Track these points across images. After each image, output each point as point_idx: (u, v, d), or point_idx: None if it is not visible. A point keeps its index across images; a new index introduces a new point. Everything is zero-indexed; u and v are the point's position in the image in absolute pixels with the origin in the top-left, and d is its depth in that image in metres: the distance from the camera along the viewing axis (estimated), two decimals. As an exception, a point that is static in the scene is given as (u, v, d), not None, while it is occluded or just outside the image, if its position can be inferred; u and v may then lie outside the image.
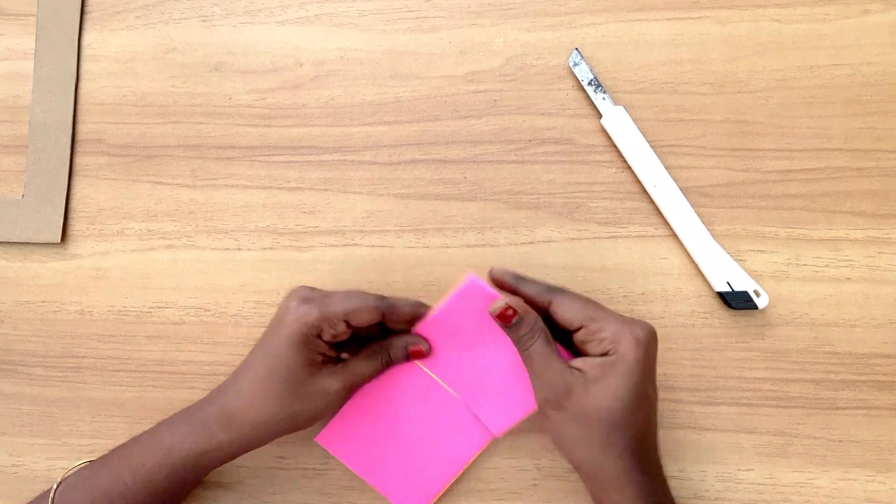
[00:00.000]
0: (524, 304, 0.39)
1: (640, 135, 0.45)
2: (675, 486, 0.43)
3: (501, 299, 0.39)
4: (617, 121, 0.45)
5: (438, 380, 0.42)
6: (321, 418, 0.39)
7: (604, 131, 0.46)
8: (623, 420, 0.36)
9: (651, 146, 0.45)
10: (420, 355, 0.41)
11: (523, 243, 0.46)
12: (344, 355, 0.42)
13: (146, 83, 0.50)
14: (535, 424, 0.45)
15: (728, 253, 0.44)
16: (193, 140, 0.49)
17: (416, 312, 0.41)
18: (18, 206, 0.49)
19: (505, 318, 0.38)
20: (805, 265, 0.45)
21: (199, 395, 0.41)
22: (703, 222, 0.44)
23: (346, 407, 0.43)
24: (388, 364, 0.41)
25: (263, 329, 0.41)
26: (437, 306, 0.41)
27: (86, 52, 0.51)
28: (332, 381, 0.38)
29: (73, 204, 0.50)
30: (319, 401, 0.38)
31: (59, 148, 0.50)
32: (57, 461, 0.47)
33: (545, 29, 0.48)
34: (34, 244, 0.49)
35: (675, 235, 0.45)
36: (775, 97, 0.46)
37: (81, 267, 0.49)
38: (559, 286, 0.40)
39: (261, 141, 0.49)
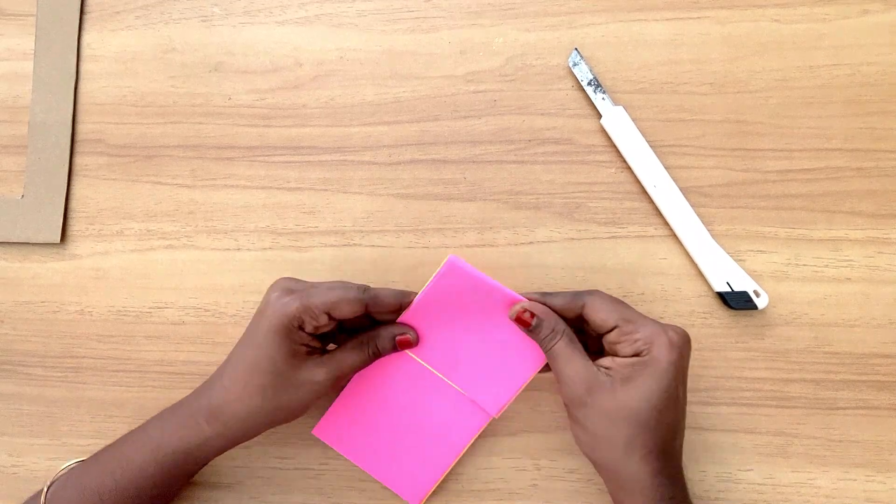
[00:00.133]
0: (541, 305, 0.39)
1: (640, 135, 0.45)
2: (674, 486, 0.43)
3: (519, 303, 0.40)
4: (617, 121, 0.45)
5: (431, 368, 0.42)
6: (308, 409, 0.39)
7: (603, 131, 0.46)
8: (650, 422, 0.36)
9: (651, 146, 0.45)
10: (408, 345, 0.41)
11: (523, 243, 0.46)
12: (330, 346, 0.42)
13: (146, 83, 0.50)
14: (535, 425, 0.45)
15: (728, 253, 0.44)
16: (193, 140, 0.49)
17: (401, 302, 0.40)
18: (18, 207, 0.49)
19: (524, 322, 0.39)
20: (805, 265, 0.45)
21: (198, 395, 0.41)
22: (702, 222, 0.44)
23: (340, 398, 0.43)
24: (376, 355, 0.41)
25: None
26: (421, 292, 0.41)
27: (85, 52, 0.51)
28: (317, 372, 0.38)
29: (73, 204, 0.50)
30: (304, 392, 0.38)
31: (59, 148, 0.50)
32: (57, 461, 0.47)
33: (545, 29, 0.48)
34: (34, 244, 0.49)
35: (674, 235, 0.45)
36: (775, 97, 0.46)
37: (81, 267, 0.49)
38: (591, 289, 0.40)
39: (260, 141, 0.49)
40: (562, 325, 0.39)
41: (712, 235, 0.44)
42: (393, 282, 0.47)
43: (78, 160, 0.50)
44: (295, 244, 0.48)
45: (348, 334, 0.42)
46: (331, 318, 0.38)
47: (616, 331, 0.37)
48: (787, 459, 0.43)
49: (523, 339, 0.41)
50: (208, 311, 0.48)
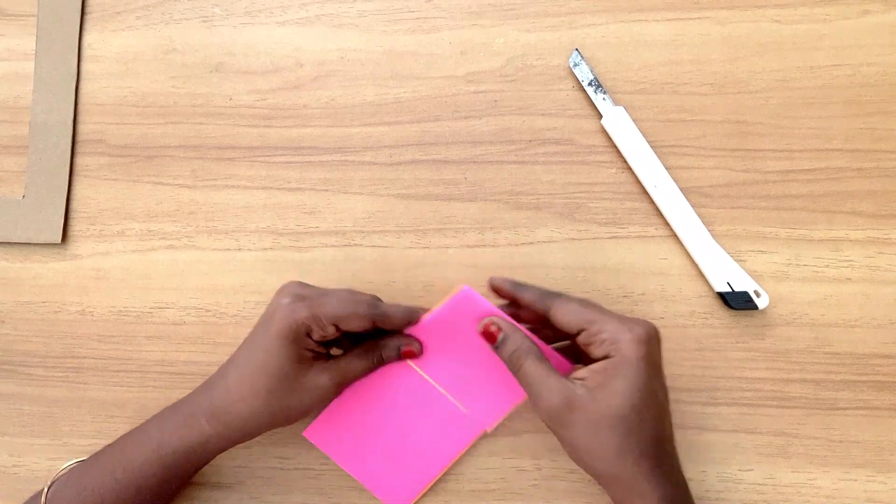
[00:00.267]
0: (510, 323, 0.39)
1: (641, 135, 0.45)
2: (675, 486, 0.43)
3: (489, 317, 0.39)
4: (617, 121, 0.45)
5: (426, 376, 0.42)
6: (310, 413, 0.40)
7: (604, 132, 0.46)
8: (634, 423, 0.35)
9: (651, 146, 0.45)
10: (412, 355, 0.42)
11: (523, 244, 0.46)
12: (334, 351, 0.42)
13: (147, 84, 0.50)
14: (535, 425, 0.45)
15: (728, 253, 0.44)
16: (194, 140, 0.49)
17: (409, 319, 0.41)
18: (19, 207, 0.49)
19: (490, 337, 0.39)
20: (805, 265, 0.45)
21: (199, 395, 0.41)
22: (703, 222, 0.44)
23: (334, 402, 0.43)
24: (380, 363, 0.41)
25: (264, 329, 0.41)
26: (431, 312, 0.41)
27: (86, 52, 0.51)
28: (322, 377, 0.38)
29: (74, 204, 0.50)
30: (309, 396, 0.38)
31: (60, 148, 0.50)
32: (58, 461, 0.47)
33: (545, 29, 0.48)
34: (35, 244, 0.49)
35: (675, 235, 0.45)
36: (775, 97, 0.46)
37: (82, 267, 0.49)
38: (558, 291, 0.39)
39: (261, 141, 0.49)
40: (528, 343, 0.38)
41: (713, 236, 0.44)
42: (393, 282, 0.47)
43: (79, 160, 0.50)
44: (296, 244, 0.48)
45: (352, 339, 0.42)
46: (338, 328, 0.38)
47: (583, 333, 0.37)
48: (787, 460, 0.43)
49: None
50: (209, 311, 0.48)
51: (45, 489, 0.40)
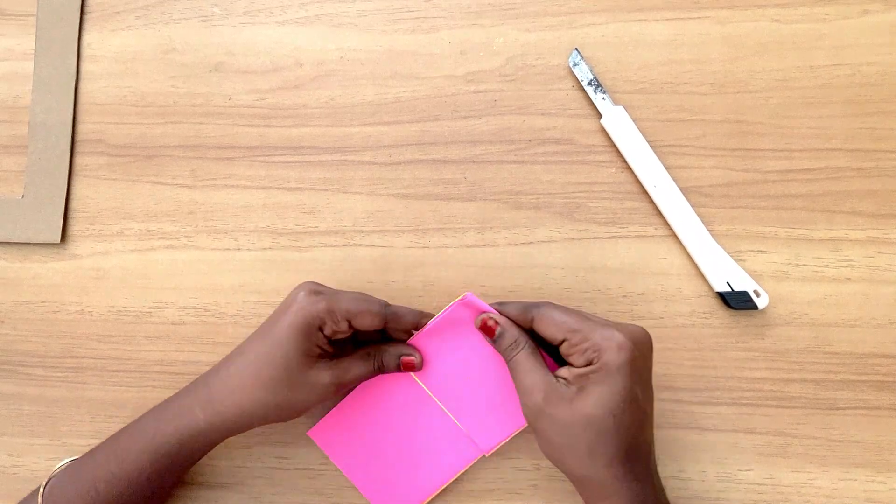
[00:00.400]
0: (506, 319, 0.40)
1: (640, 135, 0.45)
2: (675, 486, 0.43)
3: (486, 312, 0.40)
4: (617, 121, 0.45)
5: (432, 395, 0.43)
6: (306, 411, 0.40)
7: (604, 131, 0.46)
8: (609, 427, 0.35)
9: (651, 146, 0.45)
10: (411, 367, 0.42)
11: (523, 243, 0.46)
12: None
13: (146, 83, 0.50)
14: (535, 424, 0.45)
15: (728, 253, 0.44)
16: (193, 140, 0.49)
17: (418, 322, 0.42)
18: (18, 207, 0.49)
19: (488, 330, 0.40)
20: (805, 265, 0.45)
21: (199, 395, 0.41)
22: (703, 222, 0.44)
23: (341, 405, 0.43)
24: (380, 369, 0.41)
25: (263, 329, 0.41)
26: (434, 318, 0.42)
27: (86, 52, 0.51)
28: (324, 375, 0.39)
29: (73, 204, 0.50)
30: (308, 392, 0.39)
31: (59, 148, 0.50)
32: (57, 461, 0.47)
33: (545, 29, 0.48)
34: (34, 244, 0.49)
35: (675, 235, 0.45)
36: (775, 97, 0.46)
37: (81, 267, 0.49)
38: (542, 301, 0.40)
39: (261, 141, 0.49)
40: (524, 338, 0.39)
41: (712, 235, 0.44)
42: (393, 282, 0.47)
43: (78, 160, 0.50)
44: (295, 244, 0.48)
45: (354, 346, 0.42)
46: (350, 326, 0.39)
47: (566, 343, 0.37)
48: (787, 459, 0.43)
49: None
50: (208, 311, 0.48)
51: (42, 486, 0.40)
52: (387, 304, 0.41)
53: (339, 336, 0.40)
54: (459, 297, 0.41)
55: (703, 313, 0.45)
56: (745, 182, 0.45)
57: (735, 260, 0.44)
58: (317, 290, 0.40)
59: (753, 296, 0.43)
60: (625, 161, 0.46)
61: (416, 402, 0.43)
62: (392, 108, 0.48)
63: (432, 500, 0.44)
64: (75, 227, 0.49)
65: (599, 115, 0.46)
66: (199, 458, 0.41)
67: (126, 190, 0.49)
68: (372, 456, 0.43)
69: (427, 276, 0.47)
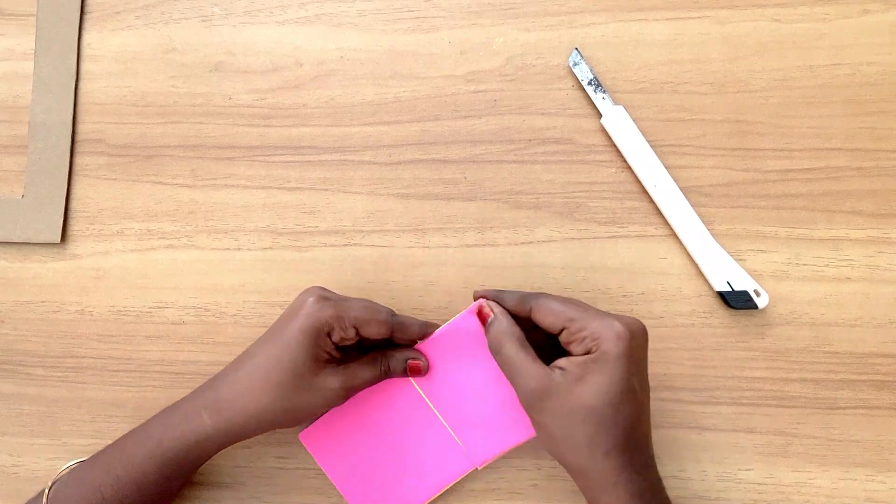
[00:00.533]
0: (502, 310, 0.40)
1: (640, 135, 0.45)
2: (675, 486, 0.43)
3: (483, 299, 0.41)
4: (617, 120, 0.45)
5: (429, 402, 0.42)
6: (313, 416, 0.40)
7: (604, 131, 0.46)
8: (608, 418, 0.35)
9: (651, 146, 0.45)
10: (418, 371, 0.42)
11: (523, 243, 0.46)
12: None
13: (146, 83, 0.50)
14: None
15: (728, 253, 0.44)
16: (193, 140, 0.49)
17: (424, 333, 0.42)
18: (18, 207, 0.49)
19: (482, 317, 0.40)
20: (805, 265, 0.45)
21: (199, 395, 0.40)
22: (703, 222, 0.44)
23: (334, 412, 0.43)
24: (387, 374, 0.41)
25: (263, 329, 0.41)
26: (445, 325, 0.42)
27: (86, 52, 0.51)
28: (332, 380, 0.39)
29: (73, 204, 0.50)
30: (316, 397, 0.39)
31: (59, 148, 0.50)
32: (57, 461, 0.47)
33: (545, 29, 0.48)
34: (34, 244, 0.49)
35: (675, 235, 0.45)
36: (775, 97, 0.46)
37: (81, 267, 0.49)
38: (539, 292, 0.40)
39: (261, 141, 0.49)
40: (512, 329, 0.39)
41: (712, 235, 0.44)
42: (393, 282, 0.47)
43: (78, 160, 0.50)
44: (295, 244, 0.48)
45: (360, 353, 0.42)
46: (357, 333, 0.39)
47: (565, 332, 0.37)
48: (787, 459, 0.43)
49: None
50: (208, 310, 0.48)
51: (47, 489, 0.40)
52: (394, 314, 0.41)
53: (346, 343, 0.40)
54: (472, 304, 0.41)
55: (703, 313, 0.45)
56: (745, 182, 0.45)
57: (735, 259, 0.44)
58: (325, 295, 0.40)
59: (753, 295, 0.43)
60: (625, 161, 0.46)
61: (412, 410, 0.43)
62: (392, 108, 0.48)
63: None
64: (75, 226, 0.49)
65: (599, 115, 0.46)
66: (205, 462, 0.41)
67: (126, 190, 0.49)
68: (361, 462, 0.43)
69: (427, 276, 0.47)
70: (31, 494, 0.41)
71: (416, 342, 0.42)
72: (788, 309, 0.44)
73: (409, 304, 0.46)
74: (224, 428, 0.38)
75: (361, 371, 0.40)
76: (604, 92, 0.46)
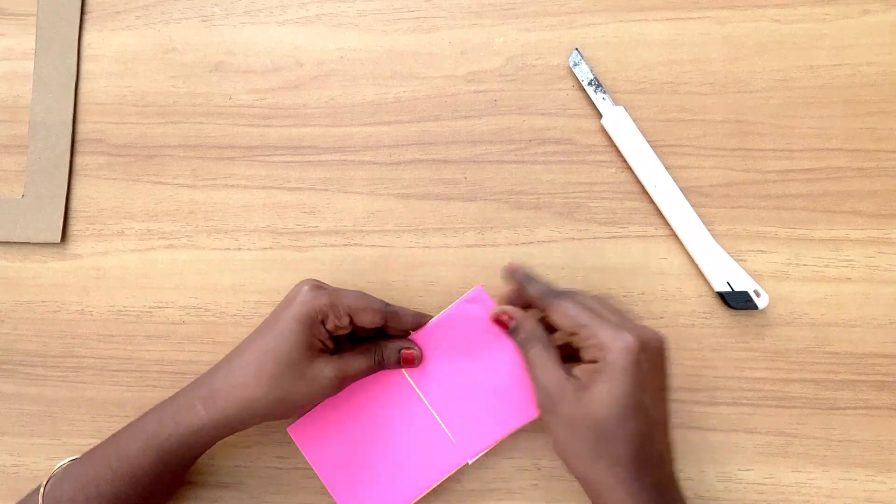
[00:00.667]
0: (522, 312, 0.40)
1: (640, 135, 0.45)
2: (675, 486, 0.43)
3: (501, 306, 0.41)
4: (617, 121, 0.45)
5: (420, 394, 0.42)
6: (307, 406, 0.40)
7: (604, 131, 0.46)
8: (611, 430, 0.35)
9: (651, 146, 0.45)
10: (411, 361, 0.42)
11: (523, 243, 0.46)
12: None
13: (146, 83, 0.50)
14: (535, 425, 0.45)
15: (728, 253, 0.44)
16: (193, 140, 0.49)
17: (417, 323, 0.42)
18: (18, 206, 0.49)
19: (501, 324, 0.41)
20: (805, 265, 0.45)
21: (199, 394, 0.41)
22: (703, 222, 0.44)
23: (324, 405, 0.43)
24: (381, 364, 0.41)
25: (263, 329, 0.41)
26: (441, 314, 0.42)
27: (86, 52, 0.51)
28: (326, 369, 0.39)
29: (73, 204, 0.50)
30: (310, 386, 0.39)
31: (59, 148, 0.50)
32: (57, 461, 0.47)
33: (545, 29, 0.48)
34: (34, 244, 0.49)
35: (675, 235, 0.45)
36: (775, 97, 0.46)
37: (81, 267, 0.49)
38: (565, 290, 0.40)
39: (261, 141, 0.49)
40: (539, 333, 0.39)
41: (713, 235, 0.44)
42: (393, 282, 0.47)
43: (78, 160, 0.50)
44: (295, 244, 0.48)
45: (354, 344, 0.42)
46: (351, 322, 0.39)
47: (576, 337, 0.37)
48: (787, 459, 0.43)
49: (517, 389, 0.41)
50: (209, 310, 0.48)
51: (43, 485, 0.40)
52: (387, 304, 0.41)
53: (340, 332, 0.40)
54: (470, 291, 0.41)
55: (703, 313, 0.45)
56: (746, 182, 0.45)
57: (735, 260, 0.44)
58: (319, 285, 0.40)
59: (753, 296, 0.43)
60: (625, 161, 0.46)
61: (403, 404, 0.42)
62: (392, 108, 0.48)
63: (436, 489, 0.43)
64: (75, 226, 0.49)
65: (600, 115, 0.46)
66: (200, 455, 0.41)
67: (126, 190, 0.49)
68: (350, 458, 0.43)
69: (427, 276, 0.47)
70: (29, 491, 0.41)
71: (410, 333, 0.43)
72: (788, 309, 0.44)
73: (409, 304, 0.46)
74: (218, 418, 0.38)
75: (355, 361, 0.40)
76: (604, 92, 0.46)
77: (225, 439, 0.45)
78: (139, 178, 0.49)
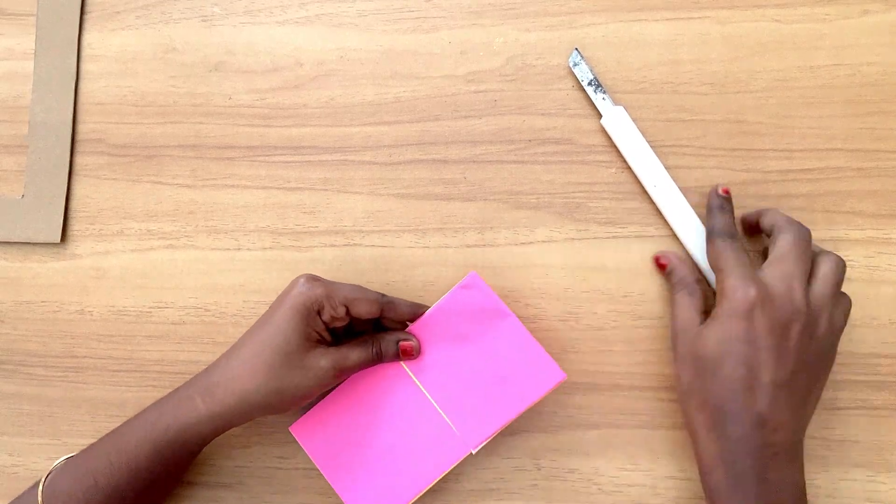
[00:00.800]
0: (679, 257, 0.43)
1: (640, 135, 0.45)
2: (675, 486, 0.43)
3: (664, 249, 0.45)
4: (617, 121, 0.45)
5: (421, 386, 0.42)
6: (306, 399, 0.40)
7: (604, 131, 0.46)
8: (706, 369, 0.38)
9: (651, 146, 0.45)
10: (409, 353, 0.42)
11: (523, 243, 0.46)
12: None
13: (146, 83, 0.50)
14: (535, 425, 0.45)
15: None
16: (193, 140, 0.49)
17: (414, 313, 0.42)
18: (18, 206, 0.49)
19: (660, 266, 0.44)
20: (805, 265, 0.45)
21: (199, 395, 0.41)
22: (703, 223, 0.44)
23: (324, 401, 0.43)
24: (379, 356, 0.41)
25: (263, 329, 0.41)
26: (437, 303, 0.42)
27: (86, 52, 0.51)
28: (322, 359, 0.39)
29: (73, 204, 0.50)
30: (307, 377, 0.39)
31: (59, 148, 0.50)
32: (57, 461, 0.47)
33: (545, 29, 0.48)
34: (34, 244, 0.49)
35: (675, 235, 0.45)
36: (775, 97, 0.46)
37: (81, 267, 0.49)
38: (768, 210, 0.42)
39: (261, 141, 0.49)
40: (689, 279, 0.42)
41: (712, 235, 0.44)
42: (393, 282, 0.47)
43: (78, 160, 0.50)
44: (295, 244, 0.48)
45: (353, 336, 0.42)
46: (348, 313, 0.40)
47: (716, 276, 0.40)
48: (787, 459, 0.43)
49: (517, 375, 0.41)
50: (208, 311, 0.48)
51: (42, 479, 0.40)
52: (383, 295, 0.41)
53: (337, 324, 0.40)
54: (464, 278, 0.41)
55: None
56: (746, 182, 0.45)
57: (735, 260, 0.44)
58: (315, 277, 0.40)
59: None
60: (625, 161, 0.46)
61: (404, 397, 0.42)
62: (392, 108, 0.48)
63: (417, 501, 0.42)
64: (75, 226, 0.49)
65: (600, 115, 0.46)
66: (199, 451, 0.41)
67: (126, 190, 0.49)
68: (353, 454, 0.43)
69: (427, 276, 0.47)
70: (29, 486, 0.41)
71: (407, 325, 0.43)
72: (788, 309, 0.44)
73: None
74: (217, 411, 0.38)
75: (352, 352, 0.40)
76: (604, 92, 0.46)
77: (225, 440, 0.46)
78: (139, 179, 0.49)
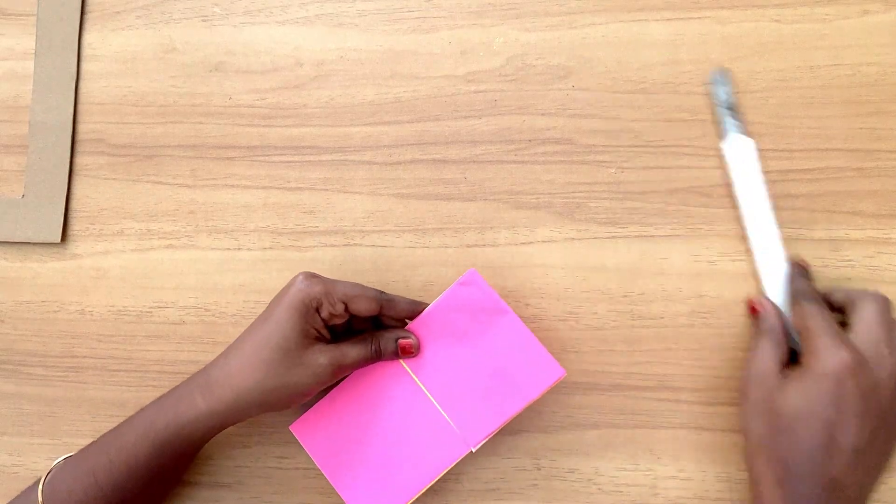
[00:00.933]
0: (772, 306, 0.42)
1: (761, 174, 0.44)
2: (675, 486, 0.43)
3: (761, 297, 0.43)
4: (742, 152, 0.44)
5: (421, 384, 0.42)
6: (305, 397, 0.40)
7: (604, 131, 0.46)
8: (783, 426, 0.37)
9: (651, 146, 0.45)
10: (408, 350, 0.42)
11: (523, 243, 0.46)
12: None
13: (146, 83, 0.50)
14: (534, 424, 0.45)
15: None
16: (193, 140, 0.49)
17: (413, 310, 0.42)
18: (18, 206, 0.49)
19: (752, 310, 0.43)
20: (805, 265, 0.45)
21: (199, 394, 0.41)
22: (705, 223, 0.44)
23: (324, 400, 0.43)
24: (377, 354, 0.41)
25: (263, 329, 0.41)
26: (436, 301, 0.42)
27: (86, 51, 0.51)
28: (321, 356, 0.39)
29: (73, 204, 0.50)
30: (306, 374, 0.39)
31: (59, 148, 0.50)
32: (57, 460, 0.47)
33: (545, 29, 0.48)
34: (34, 244, 0.49)
35: (675, 235, 0.45)
36: (775, 97, 0.46)
37: (81, 267, 0.49)
38: (861, 293, 0.41)
39: (261, 141, 0.49)
40: (776, 329, 0.41)
41: (711, 235, 0.44)
42: (393, 282, 0.47)
43: (78, 160, 0.50)
44: (295, 244, 0.48)
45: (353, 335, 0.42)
46: (346, 310, 0.40)
47: (802, 339, 0.40)
48: (787, 459, 0.43)
49: (517, 372, 0.41)
50: (209, 310, 0.48)
51: (42, 478, 0.40)
52: (382, 292, 0.41)
53: (336, 321, 0.40)
54: (463, 275, 0.41)
55: (703, 313, 0.45)
56: (745, 182, 0.45)
57: (735, 260, 0.44)
58: (313, 275, 0.41)
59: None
60: (730, 187, 0.45)
61: (404, 396, 0.42)
62: (392, 108, 0.48)
63: (417, 500, 0.42)
64: (75, 226, 0.49)
65: (593, 115, 0.46)
66: (199, 448, 0.41)
67: (126, 190, 0.49)
68: (354, 453, 0.43)
69: (427, 276, 0.47)
70: (28, 485, 0.41)
71: (406, 323, 0.43)
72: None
73: (409, 304, 0.46)
74: (216, 408, 0.38)
75: (351, 350, 0.40)
76: (739, 119, 0.45)
77: (225, 439, 0.46)
78: (139, 178, 0.49)
